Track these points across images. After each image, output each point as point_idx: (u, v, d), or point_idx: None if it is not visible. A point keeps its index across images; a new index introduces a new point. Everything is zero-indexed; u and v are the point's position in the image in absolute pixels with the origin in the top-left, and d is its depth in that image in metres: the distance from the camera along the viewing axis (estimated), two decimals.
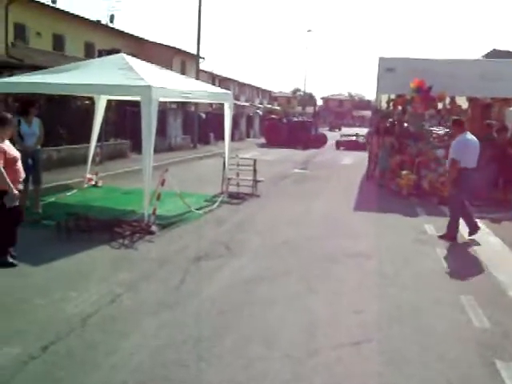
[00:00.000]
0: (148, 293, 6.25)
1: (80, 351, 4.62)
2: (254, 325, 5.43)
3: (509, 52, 18.82)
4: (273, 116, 41.31)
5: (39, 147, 10.37)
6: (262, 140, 37.18)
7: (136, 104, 20.21)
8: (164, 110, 23.56)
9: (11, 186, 6.60)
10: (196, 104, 26.61)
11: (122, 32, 35.95)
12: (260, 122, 43.19)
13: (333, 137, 43.24)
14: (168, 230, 9.27)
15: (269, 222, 10.49)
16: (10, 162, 6.73)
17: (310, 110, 75.60)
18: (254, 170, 13.40)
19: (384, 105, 21.77)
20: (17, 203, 6.75)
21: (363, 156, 28.19)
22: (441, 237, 9.72)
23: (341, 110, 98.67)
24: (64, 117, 16.31)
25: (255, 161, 13.50)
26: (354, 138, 36.19)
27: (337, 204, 13.07)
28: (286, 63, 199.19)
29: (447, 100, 16.21)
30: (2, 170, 6.54)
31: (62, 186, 12.77)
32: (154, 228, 8.96)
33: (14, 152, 6.88)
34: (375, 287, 6.86)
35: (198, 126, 26.99)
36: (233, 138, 35.13)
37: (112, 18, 40.91)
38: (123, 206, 10.97)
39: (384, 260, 8.15)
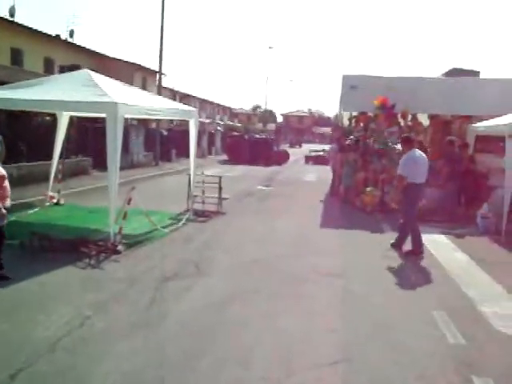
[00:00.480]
0: (118, 314, 6.08)
1: (51, 378, 4.45)
2: (229, 346, 5.34)
3: (468, 70, 19.26)
4: (234, 133, 41.40)
5: None
6: (224, 157, 37.12)
7: (97, 120, 20.15)
8: (126, 127, 23.30)
9: None
10: (158, 121, 26.38)
11: (82, 47, 35.48)
12: (221, 138, 43.14)
13: (293, 153, 43.60)
14: (134, 249, 9.09)
15: (236, 240, 10.40)
16: None
17: (271, 126, 76.05)
18: (220, 188, 13.30)
19: (346, 122, 22.09)
20: (4, 222, 6.67)
21: (325, 172, 28.62)
22: (407, 253, 9.85)
23: (301, 127, 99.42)
24: (24, 133, 15.98)
25: (220, 178, 13.42)
26: (321, 153, 38.50)
27: (303, 221, 13.05)
28: (246, 80, 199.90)
29: (409, 117, 16.43)
30: None
31: (24, 204, 12.42)
32: (120, 247, 8.78)
33: (0, 170, 6.88)
34: (347, 305, 6.84)
35: (159, 142, 26.74)
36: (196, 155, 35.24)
37: (72, 33, 40.45)
38: (87, 225, 10.73)
39: (354, 278, 8.14)
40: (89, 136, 19.79)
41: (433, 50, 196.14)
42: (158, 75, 26.39)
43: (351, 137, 19.25)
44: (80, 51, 34.65)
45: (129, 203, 9.36)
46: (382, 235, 11.58)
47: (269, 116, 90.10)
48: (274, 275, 8.06)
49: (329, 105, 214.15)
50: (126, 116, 9.56)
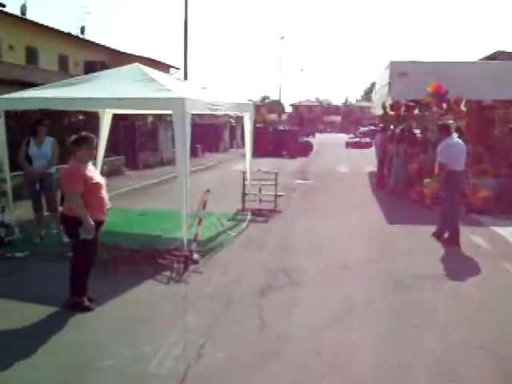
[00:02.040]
0: (233, 340, 5.31)
1: None
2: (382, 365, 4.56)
3: None
4: (258, 125, 40.50)
5: (52, 170, 9.30)
6: None
7: (126, 118, 19.37)
8: (156, 123, 22.56)
9: (86, 215, 5.72)
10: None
11: (95, 43, 34.67)
12: (242, 131, 42.25)
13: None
14: (209, 257, 8.33)
15: (310, 242, 9.61)
16: (92, 189, 5.89)
17: (283, 117, 75.06)
18: (276, 185, 12.50)
19: (379, 110, 21.23)
20: (91, 236, 5.81)
21: (356, 161, 27.93)
22: (444, 240, 9.75)
23: (311, 117, 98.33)
24: (59, 134, 15.17)
25: (277, 174, 12.62)
26: (357, 139, 49.04)
27: (366, 217, 12.27)
28: (254, 71, 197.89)
29: (463, 104, 15.56)
30: (79, 196, 5.74)
31: None
32: (196, 256, 8.00)
33: (97, 177, 6.07)
34: (473, 313, 6.10)
35: None
36: (218, 150, 34.47)
37: (83, 30, 39.73)
38: (147, 231, 9.99)
39: (460, 281, 7.40)
40: (120, 134, 18.98)
41: (472, 33, 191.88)
42: (184, 70, 25.38)
43: (399, 127, 18.45)
44: (93, 47, 33.83)
45: (204, 207, 8.57)
46: None
47: (277, 106, 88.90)
48: (373, 282, 7.32)
49: (336, 93, 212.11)
50: (192, 112, 8.72)
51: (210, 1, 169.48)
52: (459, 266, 8.22)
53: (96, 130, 15.97)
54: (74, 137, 6.03)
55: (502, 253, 9.03)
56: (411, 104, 17.30)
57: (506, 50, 18.87)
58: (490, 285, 7.33)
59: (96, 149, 7.95)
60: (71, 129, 15.30)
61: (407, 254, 8.91)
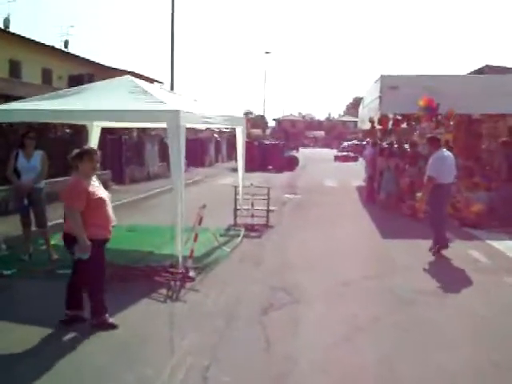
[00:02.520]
0: (239, 362, 5.08)
1: None
2: None
3: (500, 67, 18.46)
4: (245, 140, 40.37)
5: (41, 185, 9.00)
6: (232, 164, 36.05)
7: (113, 132, 19.10)
8: (141, 137, 22.29)
9: (83, 235, 5.44)
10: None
11: (79, 57, 34.31)
12: (227, 146, 42.08)
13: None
14: (205, 274, 8.07)
15: (306, 258, 9.40)
16: (95, 205, 5.62)
17: (267, 131, 75.02)
18: (268, 199, 12.30)
19: (367, 125, 21.19)
20: (85, 256, 5.52)
21: (342, 175, 27.84)
22: (435, 250, 9.71)
23: (294, 131, 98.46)
24: (46, 147, 14.86)
25: (269, 189, 12.42)
26: (345, 153, 50.66)
27: (360, 231, 12.12)
28: (237, 85, 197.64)
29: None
30: (78, 214, 5.46)
31: (58, 226, 11.32)
32: (192, 273, 7.75)
33: (101, 192, 5.79)
34: (481, 329, 5.93)
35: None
36: (203, 164, 34.17)
37: (66, 44, 39.44)
38: (138, 247, 9.69)
39: (462, 296, 7.28)
40: (107, 148, 18.67)
41: (456, 48, 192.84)
42: (170, 83, 25.12)
43: (382, 141, 18.42)
44: (77, 61, 33.48)
45: (200, 223, 8.32)
46: (452, 245, 10.61)
47: (261, 121, 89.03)
48: (376, 299, 7.14)
49: (319, 108, 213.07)
50: (187, 125, 8.50)
51: (194, 15, 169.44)
52: (460, 281, 8.06)
53: (82, 144, 15.72)
54: (76, 150, 5.80)
55: (501, 267, 8.91)
56: (399, 118, 17.32)
57: (494, 64, 18.90)
58: (494, 300, 7.20)
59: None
60: (58, 142, 15.06)
61: (406, 269, 8.74)
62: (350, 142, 61.69)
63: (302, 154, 53.88)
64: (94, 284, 5.81)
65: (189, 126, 8.94)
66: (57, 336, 5.54)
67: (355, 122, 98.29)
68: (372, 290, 7.54)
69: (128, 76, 10.25)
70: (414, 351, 5.38)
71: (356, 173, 28.17)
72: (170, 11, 24.16)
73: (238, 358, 5.16)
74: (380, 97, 15.40)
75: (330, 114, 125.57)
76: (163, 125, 9.91)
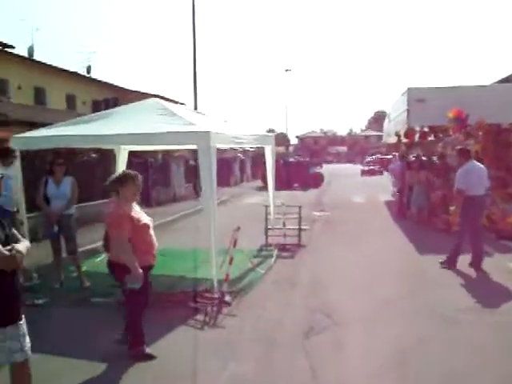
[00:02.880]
0: None
1: None
2: None
3: None
4: None
5: (71, 211, 8.92)
6: (257, 183, 35.95)
7: (139, 155, 19.07)
8: (167, 159, 22.27)
9: (135, 264, 5.28)
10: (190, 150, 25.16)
11: (102, 82, 34.68)
12: (251, 165, 42.01)
13: None
14: (240, 298, 7.86)
15: (342, 278, 9.15)
16: (140, 231, 5.46)
17: (290, 149, 74.96)
18: (300, 217, 12.08)
19: (393, 138, 20.92)
20: (138, 286, 5.36)
21: (369, 192, 27.44)
22: (442, 263, 9.74)
23: (317, 148, 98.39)
24: (72, 173, 14.93)
25: (300, 208, 12.20)
26: (371, 167, 52.17)
27: (394, 248, 11.82)
28: (259, 104, 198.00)
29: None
30: (127, 241, 5.29)
31: (88, 252, 11.26)
32: (228, 298, 7.54)
33: (144, 218, 5.62)
34: None
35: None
36: (229, 184, 34.08)
37: (89, 69, 39.82)
38: (169, 272, 9.48)
39: (508, 314, 6.94)
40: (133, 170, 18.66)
41: (480, 57, 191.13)
42: (194, 105, 25.09)
43: (413, 154, 18.18)
44: (100, 86, 33.85)
45: (234, 246, 8.12)
46: (492, 258, 10.33)
47: (284, 138, 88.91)
48: (419, 318, 6.86)
49: (340, 123, 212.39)
50: (217, 146, 8.36)
51: (211, 34, 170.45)
52: (503, 297, 7.74)
53: (109, 168, 15.75)
54: (116, 174, 5.68)
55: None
56: (425, 130, 17.03)
57: None
58: None
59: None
60: (85, 167, 15.08)
61: (446, 286, 8.46)
62: (373, 157, 61.26)
63: (326, 170, 53.45)
64: (137, 313, 5.64)
65: (219, 146, 8.80)
66: (93, 368, 5.35)
67: (378, 136, 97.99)
68: (413, 308, 7.26)
69: (155, 98, 10.18)
70: (469, 376, 5.09)
71: (382, 187, 27.84)
72: (191, 32, 24.14)
73: None
74: (407, 110, 15.17)
75: (351, 130, 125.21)
76: (189, 146, 9.85)
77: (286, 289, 8.44)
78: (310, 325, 6.61)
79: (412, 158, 17.97)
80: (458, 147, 11.18)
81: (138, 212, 5.64)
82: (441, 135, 15.81)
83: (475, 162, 9.81)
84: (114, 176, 5.65)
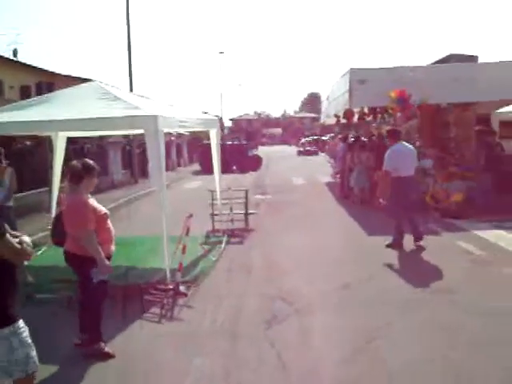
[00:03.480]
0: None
1: None
2: None
3: (465, 56, 18.39)
4: (205, 142, 39.69)
5: (10, 202, 8.41)
6: (194, 167, 35.53)
7: (75, 141, 18.35)
8: (104, 145, 21.57)
9: (102, 256, 5.09)
10: (129, 136, 24.50)
11: (31, 66, 33.17)
12: (188, 149, 41.43)
13: None
14: (195, 288, 7.59)
15: (296, 262, 9.00)
16: (101, 221, 5.29)
17: (225, 131, 74.43)
18: (246, 202, 11.90)
19: (332, 119, 21.03)
20: (106, 277, 5.24)
21: (309, 173, 27.55)
22: (388, 245, 9.70)
23: (251, 130, 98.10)
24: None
25: (247, 192, 12.01)
26: (308, 148, 53.67)
27: (343, 230, 11.83)
28: (193, 86, 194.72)
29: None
30: (93, 233, 5.11)
31: None
32: (182, 288, 7.26)
33: (102, 207, 5.45)
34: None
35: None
36: (167, 168, 33.42)
37: (15, 52, 38.09)
38: (117, 262, 8.94)
39: (471, 294, 7.00)
40: (69, 158, 17.92)
41: (420, 37, 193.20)
42: (129, 87, 24.35)
43: (352, 134, 18.30)
44: (29, 70, 32.34)
45: (187, 233, 7.82)
46: (441, 237, 10.52)
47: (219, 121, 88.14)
48: (383, 302, 6.78)
49: (273, 105, 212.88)
50: (164, 130, 8.02)
51: (144, 19, 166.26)
52: (464, 276, 7.82)
53: (44, 155, 15.04)
54: (77, 164, 5.45)
55: (496, 258, 8.74)
56: (365, 111, 17.15)
57: (461, 53, 18.81)
58: (505, 295, 6.92)
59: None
60: (18, 156, 14.32)
61: (402, 267, 8.52)
62: (308, 138, 61.80)
63: (262, 152, 53.48)
64: (98, 307, 5.38)
65: (166, 130, 8.46)
66: (49, 371, 4.99)
67: (312, 118, 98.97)
68: (374, 292, 7.20)
69: (95, 81, 9.69)
70: (439, 357, 5.05)
71: (321, 168, 28.08)
72: (125, 15, 23.36)
73: (256, 381, 4.73)
74: (349, 90, 15.13)
75: (285, 111, 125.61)
76: (135, 131, 9.44)
77: (241, 276, 8.24)
78: (270, 313, 6.43)
79: (351, 139, 18.06)
80: (388, 128, 11.42)
81: (95, 202, 5.41)
82: (385, 115, 15.92)
83: (404, 142, 10.01)
84: (76, 165, 5.42)
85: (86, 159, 5.65)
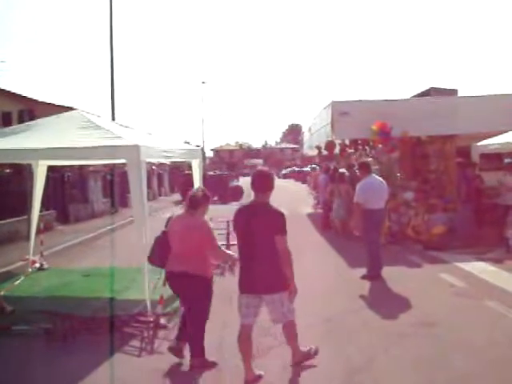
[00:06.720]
0: None
1: None
2: None
3: (445, 89, 18.75)
4: (187, 172, 39.60)
5: None
6: (175, 197, 35.31)
7: (55, 169, 18.19)
8: (85, 174, 21.41)
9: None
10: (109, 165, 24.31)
11: (11, 92, 32.98)
12: (169, 178, 41.30)
13: None
14: (175, 320, 7.42)
15: None
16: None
17: (206, 161, 74.44)
18: (228, 233, 11.83)
19: (313, 151, 21.17)
20: None
21: (291, 205, 27.42)
22: (364, 277, 9.69)
23: (233, 160, 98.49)
24: None
25: (229, 222, 11.92)
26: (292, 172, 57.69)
27: (325, 262, 11.80)
28: (172, 116, 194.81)
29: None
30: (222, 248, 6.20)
31: (3, 274, 10.50)
32: (163, 321, 7.13)
33: None
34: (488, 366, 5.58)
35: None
36: (148, 198, 33.23)
37: None
38: (97, 294, 8.95)
39: (455, 327, 6.95)
40: (49, 187, 17.71)
41: (401, 70, 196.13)
42: (111, 116, 24.22)
43: (331, 165, 18.40)
44: (10, 97, 32.17)
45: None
46: (422, 270, 10.57)
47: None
48: (365, 334, 6.72)
49: (255, 136, 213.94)
50: (147, 160, 7.98)
51: (127, 49, 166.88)
52: (446, 309, 7.81)
53: (23, 183, 14.85)
54: (199, 192, 6.02)
55: (478, 291, 8.76)
56: (346, 144, 17.29)
57: (441, 87, 19.20)
58: (486, 328, 6.90)
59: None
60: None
61: (385, 299, 8.47)
62: (289, 169, 62.20)
63: (243, 182, 53.60)
64: (202, 322, 5.82)
65: (148, 160, 8.42)
66: None
67: (292, 149, 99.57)
68: (358, 325, 7.14)
69: (77, 110, 9.67)
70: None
71: (302, 199, 28.10)
72: (109, 44, 23.44)
73: None
74: (332, 123, 15.26)
75: (266, 142, 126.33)
76: (117, 160, 9.36)
77: (223, 305, 8.04)
78: (254, 345, 6.27)
79: (331, 170, 18.14)
80: (360, 161, 11.54)
81: None
82: (366, 148, 16.04)
83: (375, 175, 10.17)
84: (198, 193, 5.95)
85: (204, 188, 6.22)
